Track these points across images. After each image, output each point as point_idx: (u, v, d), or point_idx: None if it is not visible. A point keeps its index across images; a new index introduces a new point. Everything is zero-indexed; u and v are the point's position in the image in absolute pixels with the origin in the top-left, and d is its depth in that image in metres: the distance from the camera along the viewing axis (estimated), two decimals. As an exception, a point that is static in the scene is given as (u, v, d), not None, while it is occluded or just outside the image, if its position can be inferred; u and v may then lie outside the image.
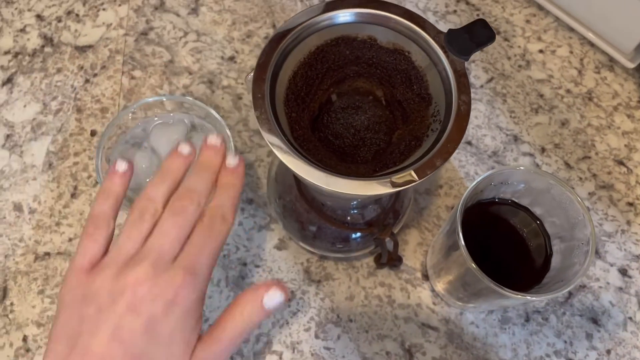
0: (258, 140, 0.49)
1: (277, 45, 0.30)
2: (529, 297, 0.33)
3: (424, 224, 0.47)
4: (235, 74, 0.51)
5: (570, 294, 0.45)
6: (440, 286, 0.44)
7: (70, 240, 0.46)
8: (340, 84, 0.34)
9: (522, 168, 0.36)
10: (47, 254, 0.45)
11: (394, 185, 0.27)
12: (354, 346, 0.44)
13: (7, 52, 0.52)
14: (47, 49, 0.52)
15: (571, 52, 0.54)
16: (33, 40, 0.52)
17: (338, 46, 0.32)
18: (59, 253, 0.45)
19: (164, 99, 0.37)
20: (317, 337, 0.44)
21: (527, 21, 0.55)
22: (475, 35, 0.30)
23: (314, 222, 0.40)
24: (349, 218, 0.39)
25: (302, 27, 0.31)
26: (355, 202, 0.38)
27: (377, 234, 0.39)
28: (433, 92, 0.31)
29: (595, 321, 0.45)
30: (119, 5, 0.54)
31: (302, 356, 0.43)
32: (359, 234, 0.41)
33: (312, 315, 0.44)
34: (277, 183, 0.42)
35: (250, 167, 0.49)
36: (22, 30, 0.53)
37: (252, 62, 0.52)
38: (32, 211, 0.46)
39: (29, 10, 0.53)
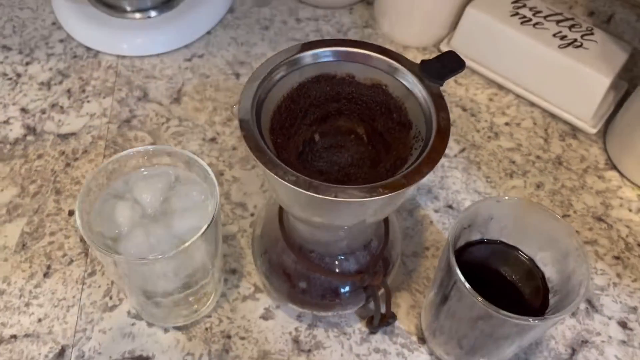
0: (240, 212, 0.49)
1: (259, 82, 0.31)
2: (531, 321, 0.32)
3: (414, 286, 0.46)
4: (216, 153, 0.52)
5: (573, 350, 0.43)
6: (438, 349, 0.42)
7: (39, 320, 0.43)
8: (322, 123, 0.35)
9: (507, 198, 0.36)
10: (14, 336, 0.42)
11: (384, 189, 0.27)
12: (352, 419, 0.40)
13: (-12, 142, 0.52)
14: (29, 138, 0.53)
15: (535, 124, 0.57)
16: (16, 131, 0.53)
17: (319, 83, 0.34)
18: (26, 335, 0.42)
19: (150, 149, 0.37)
20: (310, 411, 0.40)
21: (490, 99, 0.59)
22: (447, 63, 0.32)
23: (301, 274, 0.39)
24: (337, 264, 0.38)
25: (284, 64, 0.32)
26: (344, 244, 0.37)
27: (368, 281, 0.38)
28: (412, 117, 0.32)
29: (605, 377, 0.42)
30: (103, 97, 0.56)
31: None
32: (348, 287, 0.39)
33: (304, 388, 0.41)
34: (262, 239, 0.41)
35: (233, 238, 0.48)
36: (6, 122, 0.54)
37: (233, 142, 0.53)
38: (0, 293, 0.44)
39: (14, 104, 0.55)
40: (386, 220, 0.40)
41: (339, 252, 0.38)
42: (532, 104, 0.58)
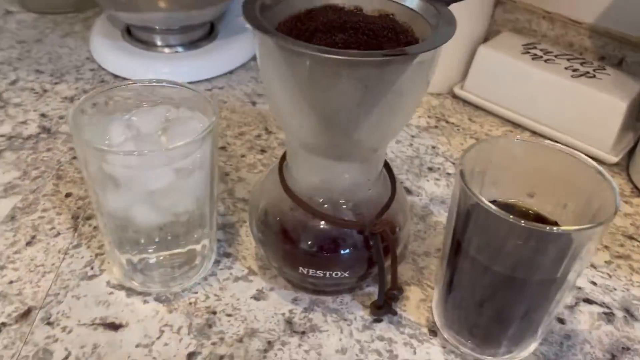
0: (242, 206, 0.46)
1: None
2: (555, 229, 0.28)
3: (426, 282, 0.41)
4: (225, 158, 0.52)
5: (613, 356, 0.37)
6: (452, 338, 0.36)
7: (10, 282, 0.39)
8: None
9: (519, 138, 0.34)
10: (-21, 294, 0.38)
11: (386, 54, 0.26)
12: (348, 405, 0.33)
13: (2, 136, 0.52)
14: (43, 135, 0.53)
15: (553, 157, 0.55)
16: (31, 129, 0.54)
17: (326, 11, 0.34)
18: (-8, 294, 0.38)
19: (153, 80, 0.36)
20: (299, 392, 0.34)
21: (506, 135, 0.58)
22: (453, -15, 0.33)
23: (298, 224, 0.35)
24: (337, 212, 0.35)
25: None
26: (345, 183, 0.34)
27: (369, 227, 0.34)
28: (419, 35, 0.32)
29: (654, 386, 0.35)
30: (122, 111, 0.57)
31: (278, 415, 0.32)
32: (349, 239, 0.35)
33: (294, 368, 0.35)
34: (260, 194, 0.38)
35: (232, 226, 0.45)
36: (24, 122, 0.55)
37: (242, 151, 0.53)
38: (-24, 255, 0.41)
39: (35, 110, 0.56)
40: (393, 180, 0.37)
41: (340, 197, 0.35)
42: (549, 139, 0.57)
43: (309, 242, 0.35)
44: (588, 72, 0.55)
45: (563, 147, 0.34)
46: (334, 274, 0.36)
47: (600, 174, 0.32)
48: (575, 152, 0.33)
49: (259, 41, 0.30)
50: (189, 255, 0.39)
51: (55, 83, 0.61)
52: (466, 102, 0.62)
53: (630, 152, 0.54)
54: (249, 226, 0.40)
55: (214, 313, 0.38)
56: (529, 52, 0.58)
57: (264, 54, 0.30)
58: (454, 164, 0.53)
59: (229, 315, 0.38)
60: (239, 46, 0.66)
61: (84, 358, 0.35)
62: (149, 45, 0.64)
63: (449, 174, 0.52)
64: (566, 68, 0.56)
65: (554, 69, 0.55)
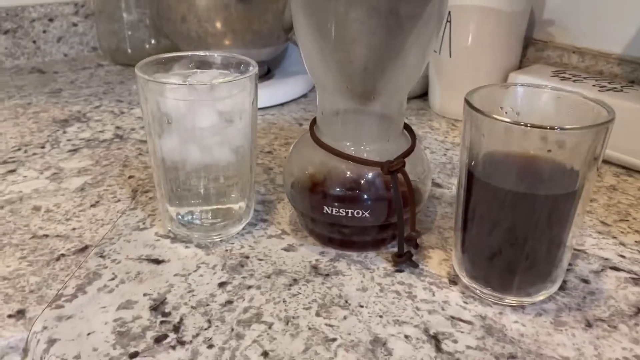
0: (281, 189, 0.51)
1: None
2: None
3: (449, 247, 0.43)
4: (270, 158, 0.57)
5: (639, 309, 0.36)
6: (471, 281, 0.37)
7: (73, 229, 0.44)
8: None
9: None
10: (46, 235, 0.43)
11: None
12: (364, 327, 0.34)
13: (82, 139, 0.61)
14: (116, 140, 0.61)
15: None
16: (106, 135, 0.62)
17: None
18: (57, 236, 0.43)
19: (202, 53, 0.43)
20: (318, 315, 0.35)
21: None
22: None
23: (324, 166, 0.39)
24: (362, 154, 0.38)
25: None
26: (367, 134, 0.38)
27: (388, 165, 0.37)
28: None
29: (682, 334, 0.34)
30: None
31: (296, 329, 0.34)
32: (371, 176, 0.38)
33: (315, 298, 0.37)
34: (294, 154, 0.42)
35: (270, 202, 0.49)
36: (101, 131, 0.63)
37: (286, 154, 0.58)
38: (48, 211, 0.46)
39: (112, 124, 0.65)
40: (413, 138, 0.41)
41: (362, 144, 0.39)
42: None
43: (334, 183, 0.39)
44: (615, 88, 0.58)
45: (567, 91, 0.37)
46: (355, 213, 0.39)
47: (603, 107, 0.34)
48: (581, 95, 0.36)
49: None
50: (228, 212, 0.43)
51: (132, 108, 0.70)
52: (501, 127, 0.65)
53: (664, 160, 0.55)
54: (284, 186, 0.44)
55: (247, 257, 0.41)
56: (558, 76, 0.62)
57: (296, 6, 0.36)
58: (485, 169, 0.56)
59: (260, 259, 0.41)
60: (291, 85, 0.74)
61: (128, 280, 0.38)
62: (213, 80, 0.73)
63: (479, 175, 0.54)
64: (593, 85, 0.59)
65: (581, 86, 0.58)
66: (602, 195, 0.51)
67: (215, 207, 0.43)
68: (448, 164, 0.57)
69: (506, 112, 0.38)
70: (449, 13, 0.64)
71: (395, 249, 0.42)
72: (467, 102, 0.34)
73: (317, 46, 0.36)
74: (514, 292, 0.36)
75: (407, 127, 0.42)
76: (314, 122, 0.42)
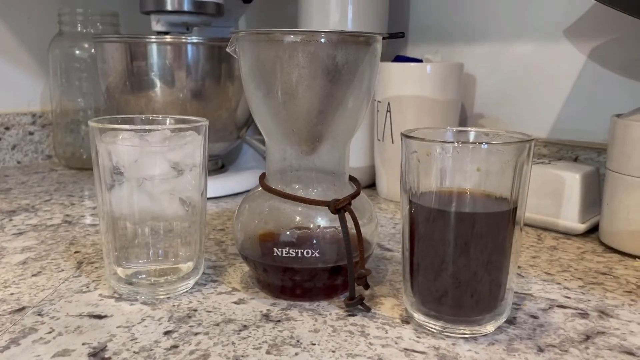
0: (233, 257, 0.50)
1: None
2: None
3: (400, 296, 0.43)
4: (222, 234, 0.57)
5: (587, 337, 0.37)
6: (424, 316, 0.37)
7: (11, 294, 0.42)
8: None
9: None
10: None
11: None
12: (316, 360, 0.33)
13: (29, 224, 0.59)
14: (64, 225, 0.60)
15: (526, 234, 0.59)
16: (55, 221, 0.61)
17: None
18: None
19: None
20: (268, 353, 0.34)
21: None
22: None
23: (273, 212, 0.40)
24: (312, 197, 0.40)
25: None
26: (314, 178, 0.40)
27: (334, 203, 0.38)
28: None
29: (631, 353, 0.35)
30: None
31: (245, 365, 0.33)
32: (320, 219, 0.39)
33: (266, 339, 0.36)
34: (242, 211, 0.43)
35: (221, 267, 0.48)
36: (49, 218, 0.62)
37: (239, 231, 0.58)
38: None
39: (60, 213, 0.64)
40: (359, 187, 0.43)
41: (310, 185, 0.41)
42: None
43: (283, 225, 0.40)
44: (544, 162, 0.63)
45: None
46: (306, 253, 0.39)
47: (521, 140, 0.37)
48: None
49: (242, 50, 0.40)
50: (177, 271, 0.43)
51: (83, 201, 0.70)
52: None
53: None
54: (234, 240, 0.44)
55: (195, 310, 0.40)
56: (492, 155, 0.67)
57: (245, 63, 0.40)
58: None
59: (209, 311, 0.40)
60: (244, 177, 0.77)
61: (66, 332, 0.36)
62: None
63: (427, 241, 0.56)
64: (525, 160, 0.63)
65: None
66: (544, 254, 0.53)
67: (163, 266, 0.42)
68: (398, 234, 0.58)
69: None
70: (388, 103, 0.69)
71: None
72: (403, 135, 0.37)
73: (263, 95, 0.39)
74: (464, 323, 0.36)
75: (352, 178, 0.44)
76: (263, 175, 0.44)
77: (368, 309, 0.40)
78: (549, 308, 0.41)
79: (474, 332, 0.36)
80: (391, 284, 0.45)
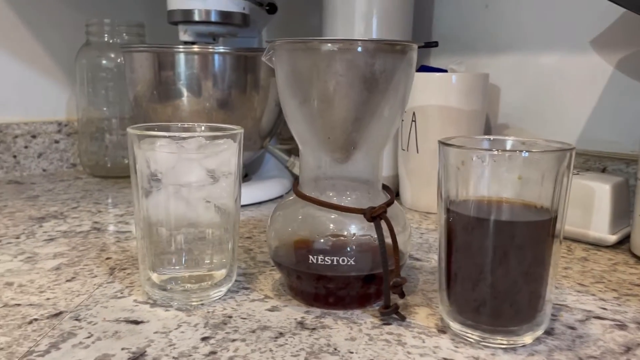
0: (263, 265, 0.51)
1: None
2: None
3: (434, 305, 0.42)
4: (249, 242, 0.57)
5: (628, 349, 0.36)
6: (461, 327, 0.37)
7: (47, 299, 0.42)
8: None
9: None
10: (18, 304, 0.41)
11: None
12: (355, 368, 0.33)
13: (59, 231, 0.60)
14: (93, 232, 0.60)
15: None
16: (84, 227, 0.61)
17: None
18: (30, 304, 0.41)
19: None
20: (307, 360, 0.34)
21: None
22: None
23: (307, 219, 0.40)
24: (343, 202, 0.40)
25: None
26: (348, 185, 0.40)
27: (370, 211, 0.38)
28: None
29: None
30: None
31: (285, 372, 0.33)
32: (354, 227, 0.39)
33: (303, 347, 0.36)
34: (276, 218, 0.43)
35: (252, 274, 0.48)
36: (78, 225, 0.63)
37: (265, 239, 0.58)
38: (21, 285, 0.45)
39: (89, 220, 0.65)
40: (392, 196, 0.43)
41: (345, 191, 0.41)
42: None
43: (318, 233, 0.40)
44: (573, 172, 0.62)
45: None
46: (341, 261, 0.39)
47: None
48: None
49: (278, 59, 0.40)
50: (210, 278, 0.43)
51: (110, 208, 0.71)
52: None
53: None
54: (268, 249, 0.44)
55: (230, 317, 0.40)
56: (519, 166, 0.66)
57: (282, 71, 0.40)
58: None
59: (244, 318, 0.40)
60: (267, 186, 0.77)
61: (104, 337, 0.36)
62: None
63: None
64: (553, 171, 0.63)
65: (542, 172, 0.63)
66: (576, 265, 0.52)
67: (197, 272, 0.43)
68: (425, 243, 0.58)
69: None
70: (414, 113, 0.69)
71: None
72: (441, 143, 0.37)
73: (299, 104, 0.40)
74: (502, 334, 0.36)
75: (385, 186, 0.44)
76: (296, 183, 0.44)
77: (403, 318, 0.40)
78: (586, 319, 0.41)
79: (512, 342, 0.36)
80: (424, 294, 0.45)
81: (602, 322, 0.40)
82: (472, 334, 0.37)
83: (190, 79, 0.71)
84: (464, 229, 0.36)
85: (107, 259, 0.52)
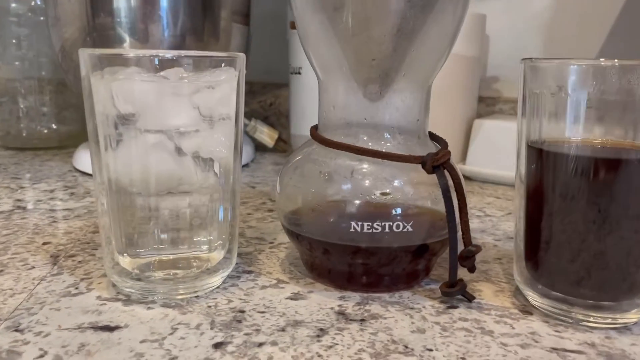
0: (256, 242, 0.40)
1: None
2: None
3: (495, 279, 0.34)
4: (229, 216, 0.46)
5: None
6: (555, 304, 0.28)
7: (-34, 303, 0.29)
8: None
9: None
10: None
11: None
12: (449, 373, 0.23)
13: (-31, 212, 0.45)
14: (17, 211, 0.46)
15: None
16: (4, 207, 0.47)
17: None
18: None
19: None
20: (377, 366, 0.24)
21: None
22: None
23: (339, 174, 0.30)
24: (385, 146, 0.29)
25: None
26: (388, 124, 0.30)
27: (431, 160, 0.29)
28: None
29: None
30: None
31: (355, 387, 0.22)
32: (404, 181, 0.29)
33: (363, 347, 0.25)
34: (286, 177, 0.33)
35: (249, 254, 0.37)
36: (-4, 204, 0.48)
37: (249, 210, 0.47)
38: None
39: (9, 197, 0.50)
40: (442, 140, 0.33)
41: (385, 133, 0.31)
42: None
43: (359, 191, 0.29)
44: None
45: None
46: (395, 227, 0.29)
47: None
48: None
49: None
50: (205, 261, 0.31)
51: (35, 183, 0.56)
52: (471, 179, 0.60)
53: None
54: (279, 219, 0.33)
55: (242, 312, 0.29)
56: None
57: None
58: (480, 210, 0.49)
59: (262, 312, 0.29)
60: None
61: (66, 355, 0.24)
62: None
63: (478, 216, 0.48)
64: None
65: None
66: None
67: (187, 254, 0.31)
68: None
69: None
70: (405, 61, 0.60)
71: (431, 286, 0.32)
72: (527, 60, 0.28)
73: (333, 13, 0.29)
74: (608, 310, 0.28)
75: (433, 135, 0.34)
76: (314, 128, 0.33)
77: (472, 298, 0.30)
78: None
79: (625, 320, 0.28)
80: (477, 265, 0.36)
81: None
82: (571, 312, 0.28)
83: (133, 22, 0.57)
84: (567, 178, 0.27)
85: (45, 244, 0.38)
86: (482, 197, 0.54)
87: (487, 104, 0.69)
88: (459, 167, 0.60)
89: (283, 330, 0.27)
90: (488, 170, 0.59)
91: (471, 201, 0.52)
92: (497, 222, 0.46)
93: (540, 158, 0.28)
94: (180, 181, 0.29)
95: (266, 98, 0.87)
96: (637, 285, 0.28)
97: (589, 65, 0.27)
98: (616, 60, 0.26)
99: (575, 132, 0.28)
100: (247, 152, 0.69)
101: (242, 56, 0.30)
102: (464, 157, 0.62)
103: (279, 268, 0.35)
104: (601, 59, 0.26)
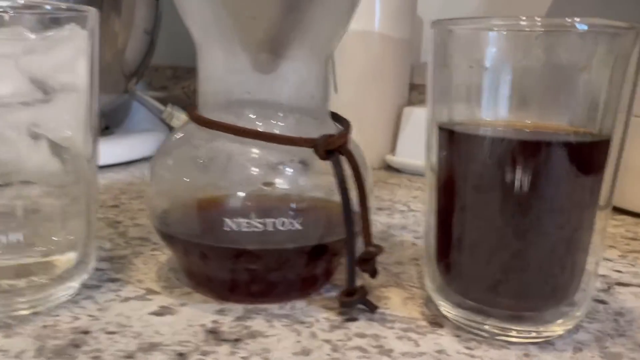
0: (138, 243, 0.34)
1: None
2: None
3: (406, 284, 0.29)
4: (116, 212, 0.39)
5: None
6: (468, 315, 0.24)
7: None
8: None
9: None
10: None
11: None
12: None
13: None
14: None
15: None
16: None
17: None
18: None
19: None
20: (237, 405, 0.19)
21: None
22: None
23: (220, 162, 0.24)
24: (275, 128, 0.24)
25: None
26: (280, 100, 0.25)
27: (324, 143, 0.23)
28: None
29: None
30: None
31: None
32: (292, 170, 0.24)
33: (226, 378, 0.20)
34: (157, 168, 0.27)
35: (123, 257, 0.31)
36: None
37: (139, 206, 0.41)
38: None
39: None
40: (347, 125, 0.28)
41: (276, 107, 0.25)
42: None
43: (239, 181, 0.24)
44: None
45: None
46: (277, 225, 0.24)
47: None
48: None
49: None
50: (49, 267, 0.25)
51: None
52: (400, 172, 0.56)
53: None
54: (150, 217, 0.28)
55: (86, 332, 0.23)
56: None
57: None
58: (405, 205, 0.45)
59: (111, 333, 0.23)
60: (136, 142, 0.58)
61: None
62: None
63: (401, 210, 0.43)
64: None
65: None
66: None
67: (25, 260, 0.25)
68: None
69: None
70: (329, 43, 0.55)
71: (332, 294, 0.27)
72: (436, 23, 0.23)
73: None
74: (528, 322, 0.23)
75: (335, 115, 0.29)
76: (192, 107, 0.27)
77: (374, 308, 0.25)
78: (609, 288, 0.30)
79: (544, 333, 0.24)
80: (384, 268, 0.31)
81: (630, 291, 0.29)
82: (485, 325, 0.24)
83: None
84: (482, 164, 0.23)
85: None
86: (409, 190, 0.50)
87: (420, 91, 0.65)
88: (388, 159, 0.57)
89: (130, 357, 0.21)
90: (418, 161, 0.54)
91: (397, 195, 0.48)
92: (421, 217, 0.42)
93: (452, 142, 0.24)
94: (6, 168, 0.23)
95: (190, 84, 0.80)
96: (562, 289, 0.24)
97: (512, 32, 0.23)
98: (539, 21, 0.22)
99: (493, 112, 0.24)
100: (161, 140, 0.62)
101: (93, 11, 0.24)
102: (393, 148, 0.57)
103: (154, 275, 0.29)
104: (522, 18, 0.22)
